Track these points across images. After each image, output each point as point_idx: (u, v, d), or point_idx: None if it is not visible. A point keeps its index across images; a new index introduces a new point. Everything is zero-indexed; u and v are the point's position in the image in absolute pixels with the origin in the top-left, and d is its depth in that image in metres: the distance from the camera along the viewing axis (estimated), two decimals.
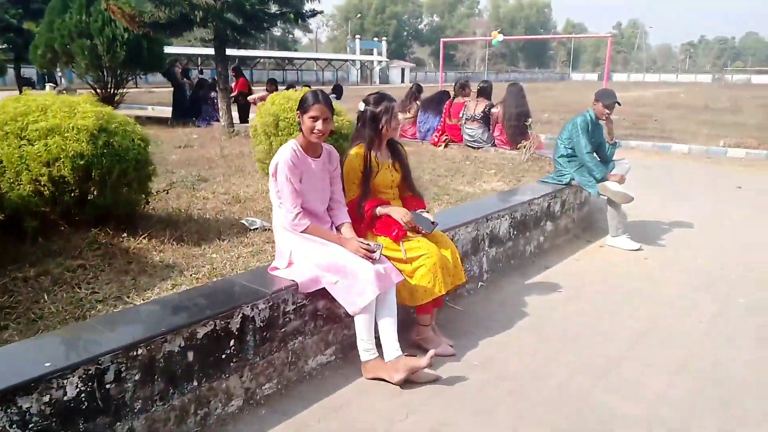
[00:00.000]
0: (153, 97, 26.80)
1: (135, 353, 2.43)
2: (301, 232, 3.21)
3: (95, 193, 3.77)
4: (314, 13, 10.29)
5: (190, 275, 3.48)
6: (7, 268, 3.41)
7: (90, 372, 2.29)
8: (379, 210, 3.51)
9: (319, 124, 3.15)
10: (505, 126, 8.46)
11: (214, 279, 3.41)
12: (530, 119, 8.17)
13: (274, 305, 2.99)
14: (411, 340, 3.55)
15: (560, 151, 5.71)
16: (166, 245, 3.94)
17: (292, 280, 3.08)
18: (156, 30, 9.78)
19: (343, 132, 5.50)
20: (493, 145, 8.82)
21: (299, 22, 10.05)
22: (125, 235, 3.91)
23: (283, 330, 3.07)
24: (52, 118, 3.61)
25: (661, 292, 4.54)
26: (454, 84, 9.55)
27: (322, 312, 3.27)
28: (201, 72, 22.03)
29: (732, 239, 5.95)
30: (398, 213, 3.50)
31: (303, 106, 3.18)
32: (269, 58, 65.24)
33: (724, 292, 4.55)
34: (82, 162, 3.60)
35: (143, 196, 4.20)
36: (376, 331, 3.19)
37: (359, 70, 70.65)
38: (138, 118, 14.50)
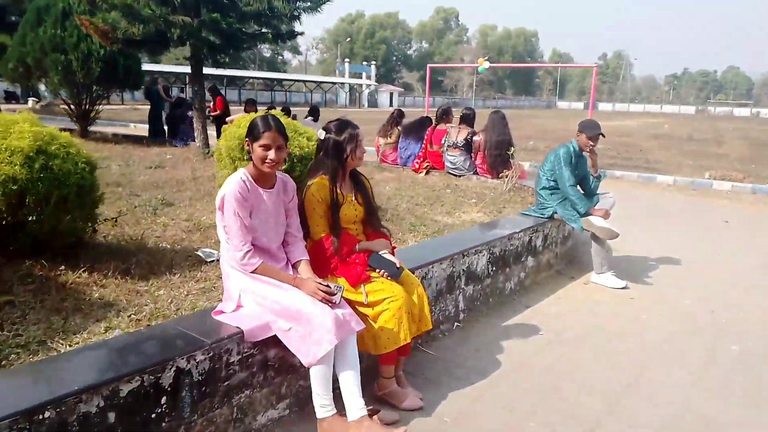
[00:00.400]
0: (138, 114, 26.45)
1: (41, 417, 2.07)
2: (251, 272, 2.87)
3: (31, 220, 3.39)
4: (294, 35, 10.06)
5: (129, 316, 3.12)
6: None
7: None
8: (359, 247, 3.20)
9: (271, 154, 2.84)
10: (487, 154, 8.21)
11: (153, 322, 3.05)
12: (513, 148, 7.93)
13: (215, 356, 2.64)
14: (374, 394, 3.20)
15: (542, 183, 5.44)
16: (109, 279, 3.58)
17: (237, 327, 2.73)
18: (131, 47, 9.48)
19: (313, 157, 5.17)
20: (475, 173, 8.57)
21: (279, 42, 9.80)
22: (63, 267, 3.54)
23: (226, 383, 2.71)
24: None
25: (648, 336, 4.24)
26: (437, 110, 9.32)
27: (273, 362, 2.92)
28: (182, 90, 21.71)
29: (721, 278, 5.69)
30: (380, 245, 3.24)
31: (253, 133, 2.86)
32: (258, 78, 65.37)
33: (714, 337, 4.26)
34: (14, 187, 3.25)
35: (88, 224, 3.84)
36: (335, 384, 2.85)
37: (348, 93, 70.86)
38: (115, 136, 14.27)
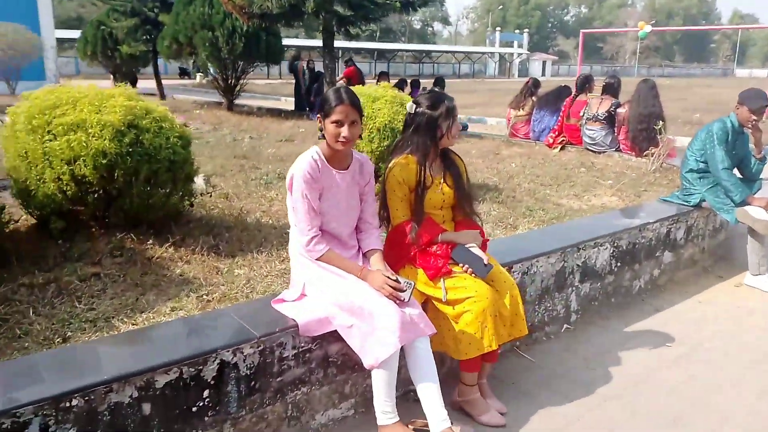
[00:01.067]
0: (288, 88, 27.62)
1: (68, 404, 1.99)
2: (317, 259, 2.61)
3: (121, 194, 3.43)
4: (425, 2, 9.63)
5: (200, 296, 3.03)
6: (18, 273, 3.17)
7: (5, 427, 1.87)
8: (442, 237, 2.82)
9: (344, 130, 2.53)
10: (631, 129, 7.26)
11: (222, 305, 2.93)
12: (661, 122, 6.91)
13: (265, 350, 2.43)
14: (452, 401, 2.83)
15: (689, 165, 4.60)
16: (196, 255, 3.54)
17: (294, 320, 2.50)
18: (267, 21, 9.68)
19: None
20: (617, 150, 7.65)
21: (409, 10, 9.44)
22: (150, 242, 3.56)
23: (279, 379, 2.50)
24: (78, 112, 3.32)
25: None
26: (576, 79, 8.44)
27: (335, 358, 2.66)
28: (347, 62, 22.14)
29: None
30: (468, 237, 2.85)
31: (324, 109, 2.56)
32: (406, 51, 65.55)
33: None
34: (104, 161, 3.29)
35: (182, 198, 3.82)
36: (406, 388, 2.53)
37: (497, 63, 68.75)
38: (259, 109, 14.89)
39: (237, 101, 13.58)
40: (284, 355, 2.50)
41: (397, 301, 2.47)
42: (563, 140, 8.20)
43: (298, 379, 2.57)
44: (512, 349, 3.44)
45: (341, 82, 11.73)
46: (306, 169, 2.56)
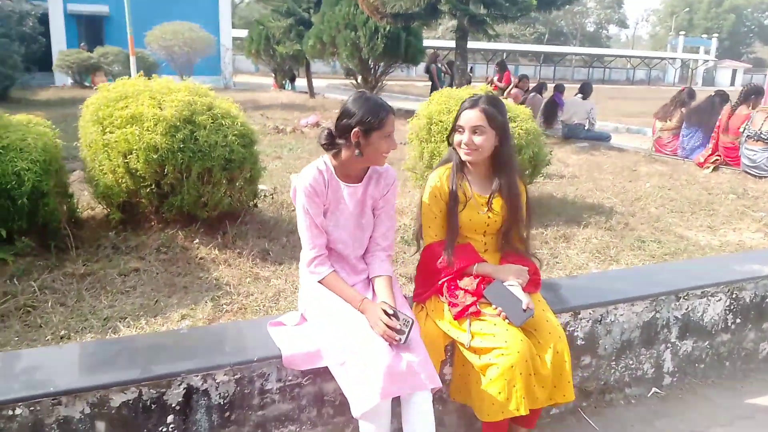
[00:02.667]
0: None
1: (12, 413, 1.89)
2: (318, 282, 2.30)
3: (172, 190, 3.39)
4: (567, 1, 8.81)
5: (217, 306, 2.87)
6: (67, 261, 3.24)
7: None
8: (478, 269, 2.38)
9: (393, 141, 2.27)
10: None
11: (238, 317, 2.74)
12: None
13: (243, 379, 2.17)
14: None
15: None
16: (242, 259, 3.41)
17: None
18: (401, 20, 9.51)
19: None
20: None
21: (549, 9, 8.71)
22: (197, 241, 3.48)
23: (260, 413, 2.23)
24: (138, 105, 3.32)
25: None
26: (742, 89, 7.18)
27: (332, 397, 2.33)
28: (471, 69, 21.62)
29: None
30: (508, 272, 2.35)
31: (369, 123, 2.17)
32: (575, 54, 62.43)
33: None
34: (155, 156, 3.25)
35: (241, 199, 3.71)
36: None
37: (678, 70, 62.87)
38: (398, 111, 14.78)
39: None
40: (267, 388, 2.22)
41: (393, 343, 2.08)
42: (717, 160, 7.02)
43: (285, 416, 2.28)
44: (575, 410, 2.85)
45: (515, 91, 11.00)
46: (309, 181, 2.25)
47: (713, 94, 7.77)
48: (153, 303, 2.87)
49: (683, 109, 7.81)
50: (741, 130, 6.69)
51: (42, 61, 18.00)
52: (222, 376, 2.14)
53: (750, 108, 6.83)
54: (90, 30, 22.55)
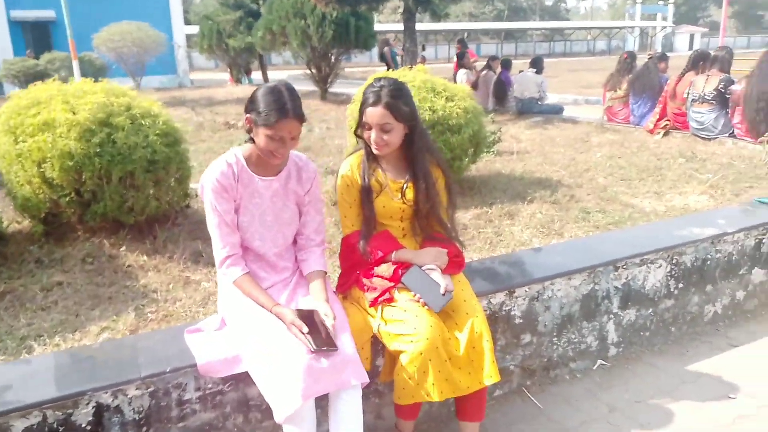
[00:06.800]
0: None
1: None
2: (232, 283, 2.19)
3: (93, 197, 3.23)
4: None
5: (141, 315, 2.74)
6: None
7: None
8: (396, 256, 2.30)
9: (282, 147, 2.07)
10: (747, 108, 6.01)
11: (162, 326, 2.62)
12: None
13: (157, 391, 2.06)
14: None
15: None
16: (172, 263, 3.27)
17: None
18: (347, 5, 9.34)
19: (451, 123, 4.16)
20: (732, 135, 6.41)
21: None
22: (124, 248, 3.33)
23: (181, 425, 2.13)
24: (50, 111, 3.15)
25: None
26: (691, 55, 7.20)
27: (258, 401, 2.23)
28: (423, 48, 21.48)
29: None
30: (428, 257, 2.28)
31: (259, 114, 2.04)
32: (536, 29, 62.64)
33: None
34: (71, 163, 3.09)
35: (172, 200, 3.57)
36: None
37: (637, 39, 63.50)
38: (349, 97, 14.65)
39: (333, 90, 13.44)
40: (185, 398, 2.12)
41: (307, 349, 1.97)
42: (667, 125, 7.04)
43: (209, 425, 2.18)
44: (519, 390, 2.81)
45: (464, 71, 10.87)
46: (215, 176, 2.13)
47: (648, 58, 7.80)
48: (74, 317, 2.73)
49: (630, 76, 7.81)
50: (685, 95, 6.71)
51: None
52: (134, 391, 2.03)
53: (699, 74, 6.83)
54: (36, 36, 21.84)
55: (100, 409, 1.98)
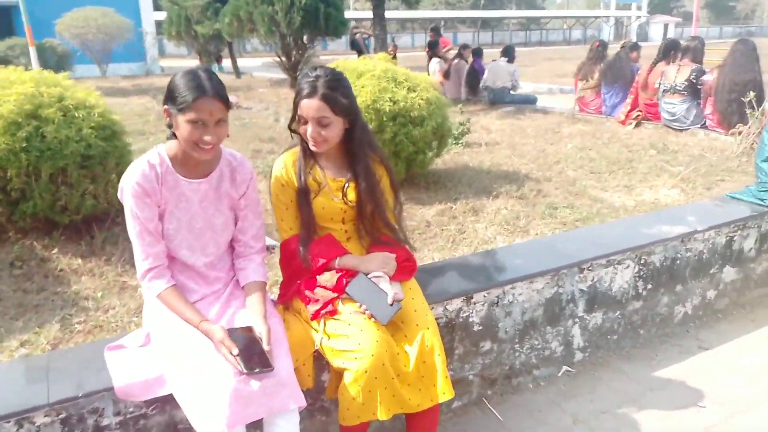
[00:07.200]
0: None
1: None
2: (157, 297, 1.97)
3: (20, 196, 2.97)
4: None
5: (68, 326, 2.51)
6: None
7: None
8: (339, 262, 2.10)
9: (207, 134, 1.83)
10: (719, 99, 5.91)
11: (89, 339, 2.39)
12: (761, 93, 5.53)
13: (70, 418, 1.84)
14: None
15: (766, 152, 3.45)
16: (109, 266, 3.03)
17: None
18: None
19: (413, 114, 3.96)
20: (704, 126, 6.32)
21: None
22: (56, 251, 3.08)
23: None
24: None
25: None
26: (661, 44, 7.09)
27: (187, 425, 2.01)
28: (393, 39, 21.16)
29: None
30: (375, 263, 2.08)
31: (175, 100, 1.83)
32: (513, 18, 62.60)
33: None
34: None
35: (111, 198, 3.31)
36: None
37: (613, 28, 63.85)
38: None
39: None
40: (103, 424, 1.90)
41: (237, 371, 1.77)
42: (638, 115, 6.94)
43: None
44: (479, 401, 2.64)
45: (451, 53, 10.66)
46: (136, 179, 1.89)
47: (620, 48, 7.69)
48: None
49: (602, 65, 7.68)
50: (656, 85, 6.60)
51: None
52: (42, 418, 1.80)
53: (670, 64, 6.71)
54: None
55: None
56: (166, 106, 1.88)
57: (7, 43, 16.60)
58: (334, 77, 2.00)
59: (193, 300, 2.00)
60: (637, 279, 3.03)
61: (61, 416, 1.83)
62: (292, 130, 2.11)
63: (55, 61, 15.78)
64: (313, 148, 2.04)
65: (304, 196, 2.09)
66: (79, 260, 3.05)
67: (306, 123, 2.00)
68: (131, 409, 1.93)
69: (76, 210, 3.11)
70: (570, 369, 2.89)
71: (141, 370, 1.91)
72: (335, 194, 2.12)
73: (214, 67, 20.11)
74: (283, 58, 12.29)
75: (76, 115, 3.07)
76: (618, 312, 3.02)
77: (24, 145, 2.86)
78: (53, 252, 3.08)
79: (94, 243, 3.19)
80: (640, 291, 3.06)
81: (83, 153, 3.04)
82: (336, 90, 1.98)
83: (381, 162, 2.19)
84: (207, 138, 1.83)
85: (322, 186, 2.12)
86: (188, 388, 1.81)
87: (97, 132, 3.11)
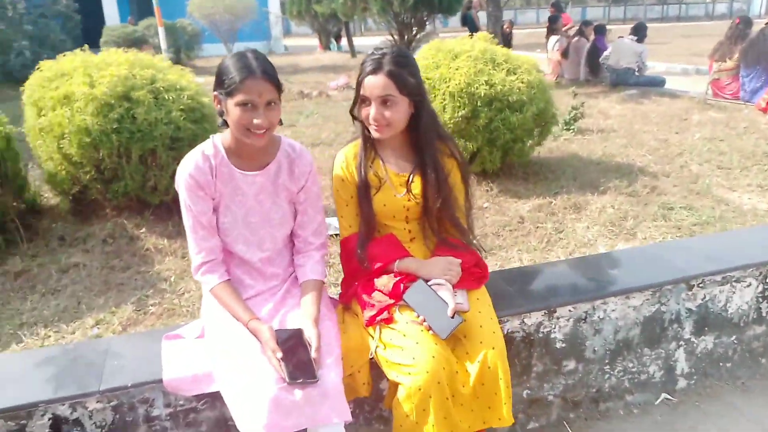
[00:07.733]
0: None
1: None
2: (210, 292, 1.92)
3: (112, 176, 3.08)
4: None
5: (141, 309, 2.56)
6: (11, 257, 3.02)
7: None
8: (399, 266, 1.94)
9: (257, 117, 1.73)
10: None
11: (157, 323, 2.42)
12: None
13: (121, 405, 1.85)
14: None
15: None
16: None
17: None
18: None
19: (511, 99, 3.64)
20: None
21: None
22: (144, 229, 3.17)
23: None
24: (70, 84, 3.00)
25: None
26: None
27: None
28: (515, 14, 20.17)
29: None
30: (436, 268, 1.91)
31: (223, 84, 1.74)
32: None
33: None
34: (88, 139, 2.93)
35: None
36: None
37: (765, 2, 57.42)
38: None
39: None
40: (153, 414, 1.90)
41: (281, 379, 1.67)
42: None
43: None
44: (558, 423, 2.39)
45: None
46: (189, 172, 1.83)
47: (765, 24, 6.71)
48: (76, 305, 2.59)
49: (743, 44, 6.78)
50: None
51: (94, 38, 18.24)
52: (94, 404, 1.82)
53: None
54: (140, 3, 22.70)
55: (57, 421, 1.80)
56: (215, 92, 1.79)
57: (144, 23, 17.87)
58: (400, 54, 1.84)
59: (249, 295, 1.94)
60: (761, 300, 2.59)
61: (112, 403, 1.84)
62: (354, 116, 1.95)
63: (185, 40, 16.78)
64: (375, 134, 1.88)
65: (364, 191, 1.95)
66: (165, 240, 3.13)
67: (369, 104, 1.83)
68: (181, 402, 1.91)
69: (166, 191, 3.18)
70: (670, 398, 2.54)
71: (193, 364, 1.88)
72: (398, 190, 1.96)
73: (333, 46, 20.46)
74: (397, 37, 12.14)
75: (166, 97, 3.12)
76: (734, 336, 2.61)
77: (115, 126, 2.96)
78: (142, 231, 3.19)
79: (180, 224, 3.25)
80: (764, 314, 2.63)
81: (172, 135, 3.09)
82: (403, 67, 1.81)
83: (451, 154, 1.98)
84: (257, 121, 1.72)
85: (383, 181, 1.95)
86: (235, 386, 1.74)
87: (186, 114, 3.15)
